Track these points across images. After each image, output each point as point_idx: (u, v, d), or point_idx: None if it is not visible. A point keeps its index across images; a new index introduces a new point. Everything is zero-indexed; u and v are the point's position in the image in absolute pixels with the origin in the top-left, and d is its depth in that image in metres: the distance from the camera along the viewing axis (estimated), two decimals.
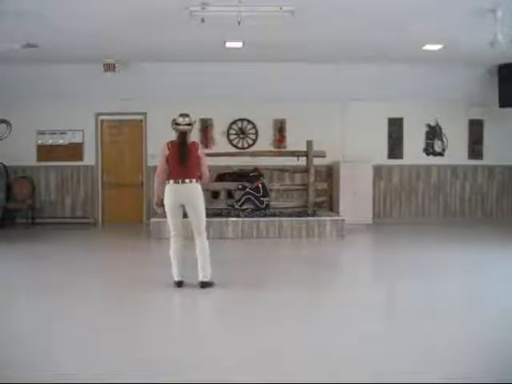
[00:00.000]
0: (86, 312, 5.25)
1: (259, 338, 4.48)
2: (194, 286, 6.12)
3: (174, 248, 6.17)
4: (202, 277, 6.08)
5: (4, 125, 12.04)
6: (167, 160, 6.13)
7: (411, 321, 4.98)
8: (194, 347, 4.27)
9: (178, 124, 6.20)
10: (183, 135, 6.18)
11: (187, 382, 3.55)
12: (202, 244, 6.12)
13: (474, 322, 4.90)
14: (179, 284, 6.13)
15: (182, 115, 6.24)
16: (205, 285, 6.06)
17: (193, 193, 6.07)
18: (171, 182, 6.07)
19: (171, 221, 6.19)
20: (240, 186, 10.41)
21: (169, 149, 6.16)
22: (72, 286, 6.33)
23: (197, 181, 6.11)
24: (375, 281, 6.87)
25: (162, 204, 6.21)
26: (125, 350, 4.17)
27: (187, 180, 6.03)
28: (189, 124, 6.20)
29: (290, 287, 6.23)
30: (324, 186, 11.24)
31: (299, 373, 3.71)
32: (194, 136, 11.65)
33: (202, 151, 6.26)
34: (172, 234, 6.22)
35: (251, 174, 10.64)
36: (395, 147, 12.53)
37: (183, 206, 6.13)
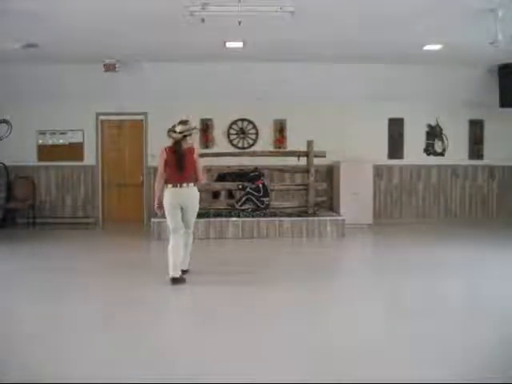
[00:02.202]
0: (87, 312, 5.25)
1: (259, 336, 4.48)
2: (194, 285, 6.15)
3: (173, 244, 6.41)
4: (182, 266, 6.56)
5: (4, 125, 12.04)
6: (165, 164, 6.45)
7: (411, 320, 4.98)
8: (197, 347, 4.27)
9: (173, 132, 6.52)
10: (177, 143, 6.48)
11: (190, 382, 3.55)
12: (189, 239, 6.67)
13: (474, 322, 4.90)
14: (173, 280, 6.28)
15: (180, 123, 6.56)
16: (184, 272, 6.52)
17: (191, 196, 6.46)
18: (170, 185, 6.42)
19: (171, 220, 6.49)
20: (240, 186, 10.41)
21: (166, 153, 6.47)
22: (72, 285, 6.33)
23: (194, 184, 6.48)
24: (375, 281, 6.85)
25: (160, 206, 6.53)
26: (125, 350, 4.17)
27: (185, 184, 6.39)
28: (181, 132, 6.46)
29: (289, 287, 6.23)
30: (324, 186, 11.23)
31: (298, 372, 3.71)
32: (196, 136, 11.73)
33: (197, 155, 6.61)
34: (172, 229, 6.52)
35: (251, 174, 10.64)
36: (396, 147, 12.52)
37: (181, 207, 6.44)
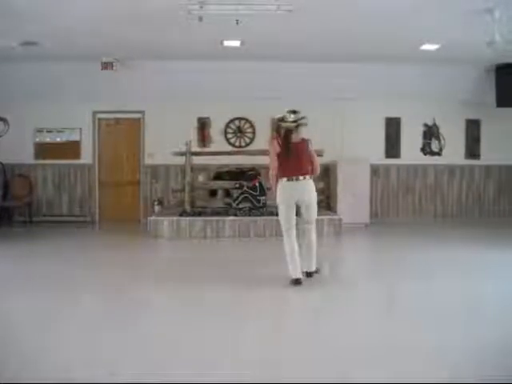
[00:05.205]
0: (84, 311, 5.24)
1: (257, 336, 4.49)
2: (184, 284, 6.16)
3: (285, 244, 6.25)
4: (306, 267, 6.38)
5: (2, 123, 12.04)
6: (278, 157, 6.22)
7: (408, 321, 4.98)
8: (200, 347, 4.27)
9: (284, 121, 6.27)
10: (288, 133, 6.24)
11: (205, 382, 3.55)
12: (310, 236, 6.37)
13: (473, 322, 4.90)
14: (297, 281, 6.11)
15: (291, 112, 6.28)
16: (309, 274, 6.37)
17: (309, 189, 6.20)
18: (284, 179, 6.18)
19: (284, 218, 6.25)
20: (237, 185, 10.40)
21: (279, 145, 6.23)
22: (70, 285, 6.31)
23: (310, 177, 6.22)
24: (373, 281, 6.82)
25: None
26: (124, 350, 4.17)
27: (301, 177, 6.14)
28: (295, 121, 6.22)
29: (286, 286, 6.22)
30: (321, 185, 11.21)
31: (300, 372, 3.72)
32: (193, 134, 11.76)
33: (311, 147, 6.32)
34: (284, 229, 6.28)
35: (248, 173, 10.65)
36: (392, 147, 12.54)
37: (297, 203, 6.24)
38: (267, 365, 3.82)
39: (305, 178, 6.17)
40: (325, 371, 3.71)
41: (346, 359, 3.96)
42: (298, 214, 6.34)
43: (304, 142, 6.28)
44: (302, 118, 6.28)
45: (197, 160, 10.73)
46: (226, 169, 11.10)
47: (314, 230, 6.40)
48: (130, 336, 4.46)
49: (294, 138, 6.23)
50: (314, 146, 6.42)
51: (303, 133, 6.33)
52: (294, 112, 6.27)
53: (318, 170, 6.37)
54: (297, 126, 6.25)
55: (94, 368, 3.73)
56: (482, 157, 12.69)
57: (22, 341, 4.31)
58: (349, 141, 12.05)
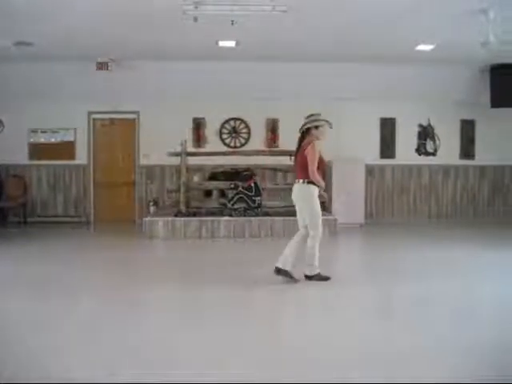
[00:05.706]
0: (83, 311, 5.24)
1: (252, 336, 4.49)
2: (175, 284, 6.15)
3: (290, 241, 6.45)
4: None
5: None
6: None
7: (406, 321, 4.99)
8: (192, 347, 4.27)
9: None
10: (300, 138, 6.42)
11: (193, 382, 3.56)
12: (306, 241, 6.39)
13: (468, 322, 4.91)
14: (278, 271, 6.27)
15: (306, 117, 6.42)
16: (308, 278, 6.42)
17: (298, 193, 6.34)
18: None
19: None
20: (232, 185, 10.40)
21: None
22: (68, 285, 6.30)
23: (304, 181, 6.25)
24: (370, 281, 6.82)
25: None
26: (124, 350, 4.16)
27: (298, 180, 6.34)
28: (303, 125, 6.35)
29: (283, 287, 6.22)
30: None
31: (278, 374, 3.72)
32: (189, 135, 11.77)
33: (312, 149, 6.18)
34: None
35: (244, 174, 10.64)
36: (387, 147, 12.56)
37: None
38: (267, 365, 3.83)
39: (302, 181, 6.28)
40: (324, 371, 3.72)
41: (346, 359, 3.96)
42: None
43: (307, 145, 6.26)
44: (312, 121, 6.33)
45: (192, 160, 10.74)
46: (221, 169, 11.08)
47: (314, 236, 6.30)
48: (129, 336, 4.46)
49: (306, 141, 6.33)
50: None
51: (324, 133, 6.36)
52: (309, 116, 6.39)
53: (313, 175, 6.17)
54: (304, 131, 6.35)
55: (94, 368, 3.75)
56: (476, 157, 12.74)
57: (22, 341, 4.30)
58: (344, 141, 12.02)
